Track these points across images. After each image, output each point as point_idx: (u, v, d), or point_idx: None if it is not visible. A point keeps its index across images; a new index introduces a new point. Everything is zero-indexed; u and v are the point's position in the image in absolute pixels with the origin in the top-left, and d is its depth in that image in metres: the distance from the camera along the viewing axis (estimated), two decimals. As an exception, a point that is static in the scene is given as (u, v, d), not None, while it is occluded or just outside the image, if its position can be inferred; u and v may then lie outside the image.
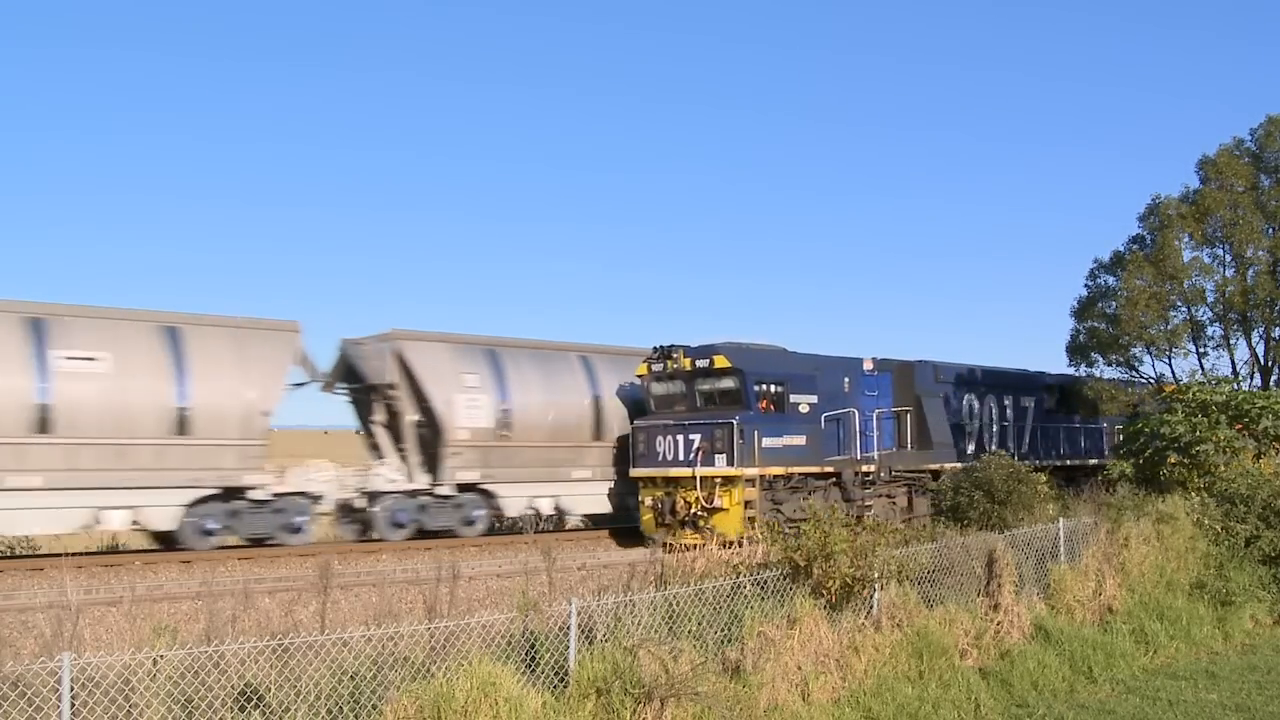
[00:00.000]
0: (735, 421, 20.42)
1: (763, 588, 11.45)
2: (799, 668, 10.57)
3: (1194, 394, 22.47)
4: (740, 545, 18.28)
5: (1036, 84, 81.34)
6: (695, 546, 17.96)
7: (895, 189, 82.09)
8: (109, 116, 67.83)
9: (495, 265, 75.86)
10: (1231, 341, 28.83)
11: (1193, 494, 19.08)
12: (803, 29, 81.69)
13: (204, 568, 17.24)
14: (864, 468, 22.51)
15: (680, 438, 21.08)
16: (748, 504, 20.25)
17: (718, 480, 20.34)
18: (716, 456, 20.47)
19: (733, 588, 11.30)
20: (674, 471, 21.07)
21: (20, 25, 61.79)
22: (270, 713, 8.06)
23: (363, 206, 73.66)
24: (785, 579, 11.64)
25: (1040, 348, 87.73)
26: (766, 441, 20.68)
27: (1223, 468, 20.21)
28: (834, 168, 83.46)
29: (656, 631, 10.07)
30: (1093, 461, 29.43)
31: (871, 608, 11.85)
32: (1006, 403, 27.83)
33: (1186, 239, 28.07)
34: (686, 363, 21.45)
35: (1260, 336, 28.48)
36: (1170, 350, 28.52)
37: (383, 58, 74.39)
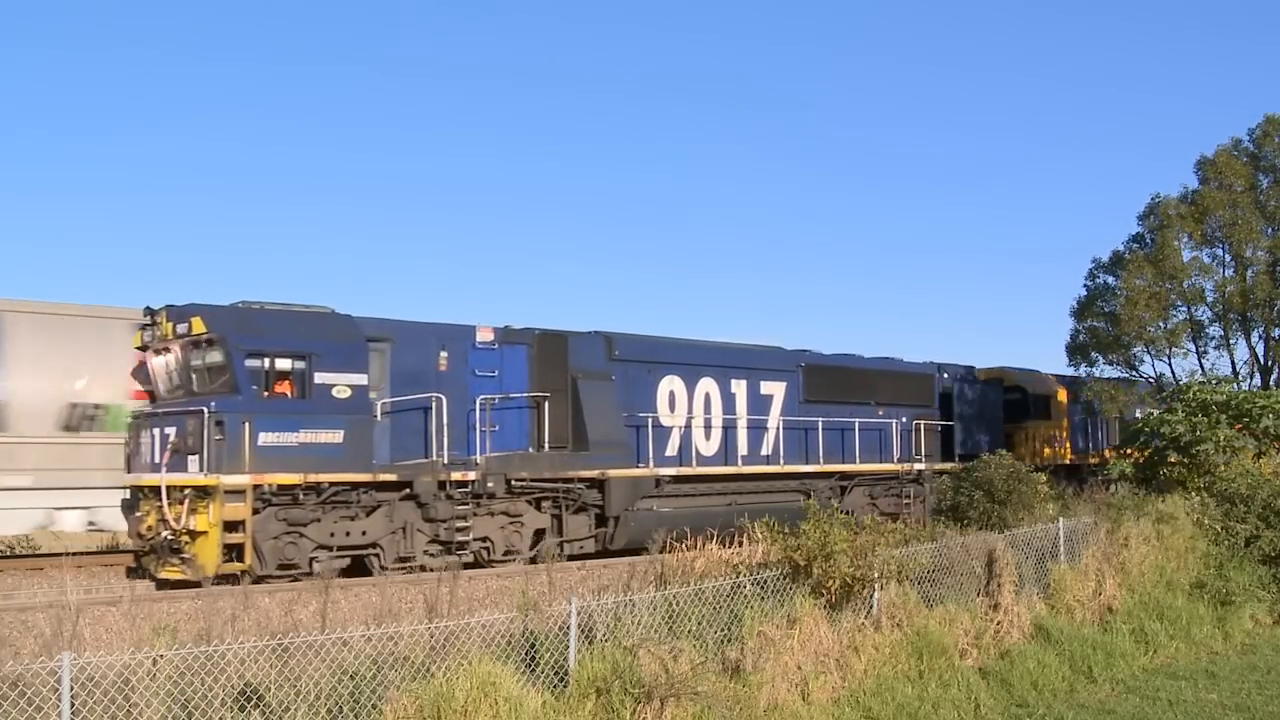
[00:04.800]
0: (207, 410, 14.43)
1: (763, 587, 11.44)
2: (799, 667, 10.56)
3: (1194, 394, 22.47)
4: (232, 582, 13.98)
5: (1036, 84, 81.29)
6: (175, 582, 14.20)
7: (894, 189, 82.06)
8: (108, 117, 67.80)
9: (496, 265, 75.75)
10: (1231, 341, 28.88)
11: (1193, 494, 19.07)
12: (799, 29, 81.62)
13: (203, 568, 17.18)
14: (459, 475, 16.35)
15: (157, 432, 15.24)
16: (231, 526, 14.45)
17: (188, 491, 14.51)
18: (190, 458, 14.67)
19: (733, 587, 11.29)
20: (145, 478, 15.19)
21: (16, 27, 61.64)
22: (270, 712, 8.05)
23: (365, 206, 73.54)
24: (785, 579, 11.64)
25: (1040, 348, 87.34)
26: (267, 438, 14.83)
27: (1223, 467, 20.21)
28: (831, 168, 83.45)
29: (656, 631, 10.06)
30: (878, 467, 23.14)
31: (871, 607, 11.85)
32: (735, 389, 21.10)
33: (1186, 239, 28.11)
34: (169, 329, 15.54)
35: (1260, 336, 28.53)
36: (1170, 350, 28.55)
37: (382, 57, 74.24)
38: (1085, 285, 30.14)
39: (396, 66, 74.24)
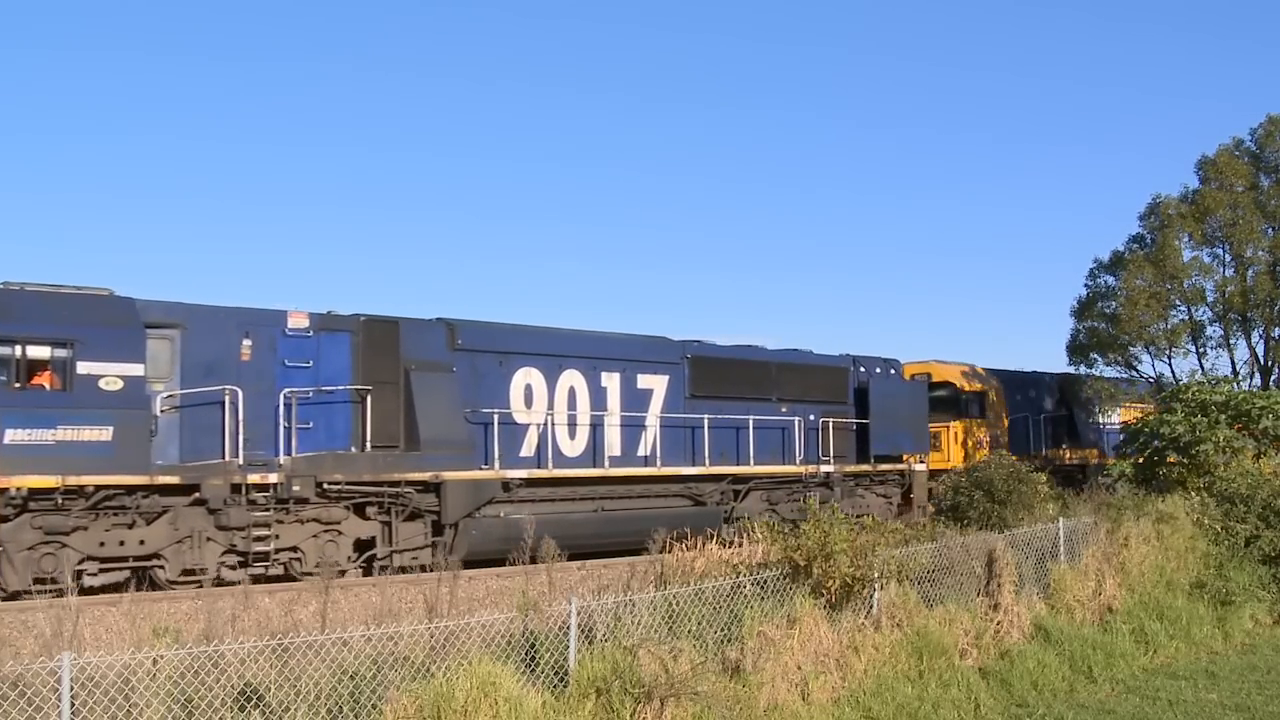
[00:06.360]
0: None
1: (763, 587, 11.45)
2: (799, 667, 10.57)
3: (1194, 394, 22.50)
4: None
5: (1037, 84, 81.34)
6: None
7: (893, 189, 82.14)
8: (108, 118, 67.88)
9: (495, 265, 76.06)
10: (1231, 341, 28.93)
11: (1193, 494, 19.09)
12: (797, 30, 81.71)
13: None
14: (257, 477, 14.80)
15: None
16: None
17: None
18: None
19: (733, 587, 11.29)
20: None
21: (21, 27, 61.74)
22: (270, 712, 8.06)
23: (364, 206, 73.80)
24: (785, 579, 11.64)
25: (1040, 348, 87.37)
26: (16, 435, 13.33)
27: (1222, 468, 20.23)
28: (830, 167, 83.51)
29: (656, 631, 10.07)
30: (778, 469, 21.23)
31: (871, 607, 11.85)
32: (606, 382, 19.10)
33: (1186, 239, 28.17)
34: None
35: (1260, 336, 28.59)
36: (1170, 350, 28.59)
37: (382, 57, 74.35)
38: (1085, 285, 30.24)
39: (392, 65, 74.32)
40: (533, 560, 15.00)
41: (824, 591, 11.49)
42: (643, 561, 16.02)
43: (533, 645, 9.47)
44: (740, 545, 14.70)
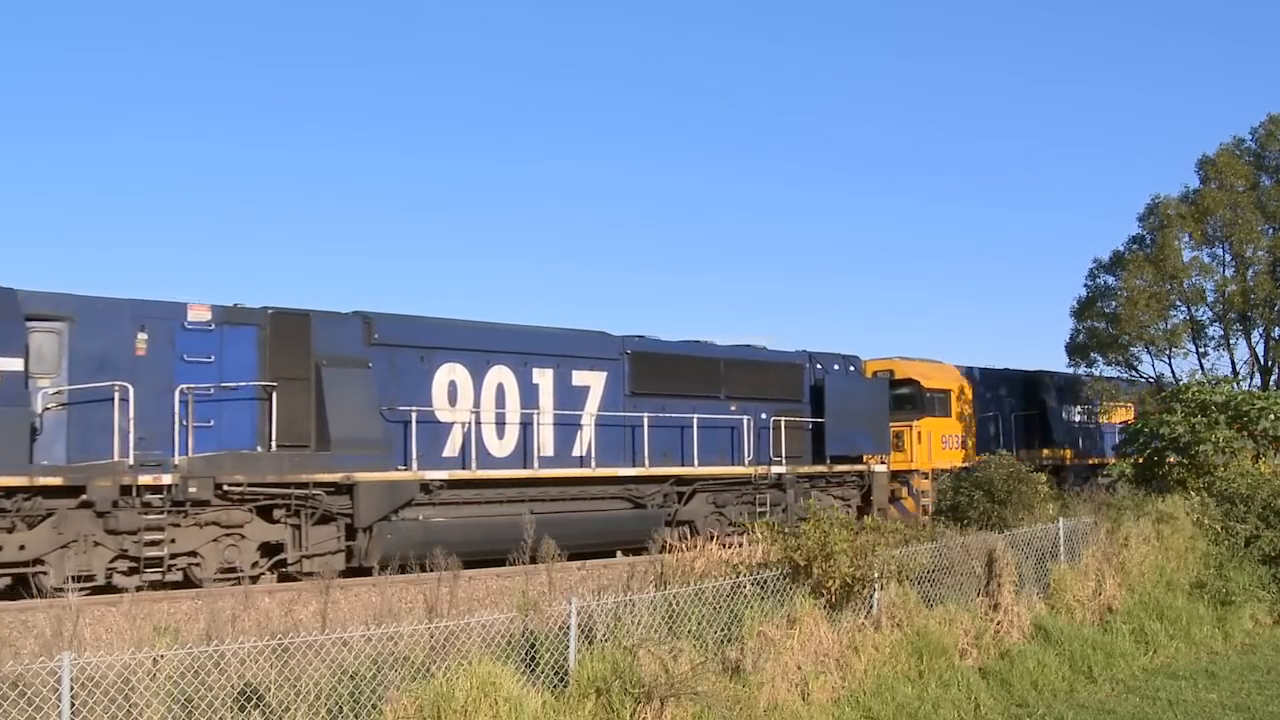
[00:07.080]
0: None
1: (763, 587, 11.44)
2: (799, 667, 10.57)
3: (1193, 394, 22.52)
4: None
5: (1037, 84, 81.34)
6: None
7: (893, 188, 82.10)
8: (109, 118, 67.73)
9: (496, 264, 75.79)
10: (1231, 341, 28.99)
11: (1192, 494, 19.10)
12: (796, 29, 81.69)
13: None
14: (148, 479, 14.11)
15: None
16: None
17: None
18: None
19: (733, 588, 11.29)
20: None
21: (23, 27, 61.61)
22: (270, 712, 8.06)
23: (362, 206, 73.57)
24: (785, 579, 11.63)
25: (1040, 348, 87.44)
26: None
27: (1222, 468, 20.24)
28: (829, 167, 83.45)
29: (656, 631, 10.07)
30: (725, 470, 20.41)
31: (871, 607, 11.85)
32: (538, 379, 18.34)
33: (1186, 239, 28.22)
34: None
35: (1260, 336, 28.65)
36: (1170, 350, 28.63)
37: (382, 57, 74.27)
38: (1085, 285, 30.30)
39: (393, 65, 74.32)
40: (533, 560, 14.99)
41: (824, 591, 11.49)
42: (643, 561, 16.05)
43: (533, 645, 9.46)
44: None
